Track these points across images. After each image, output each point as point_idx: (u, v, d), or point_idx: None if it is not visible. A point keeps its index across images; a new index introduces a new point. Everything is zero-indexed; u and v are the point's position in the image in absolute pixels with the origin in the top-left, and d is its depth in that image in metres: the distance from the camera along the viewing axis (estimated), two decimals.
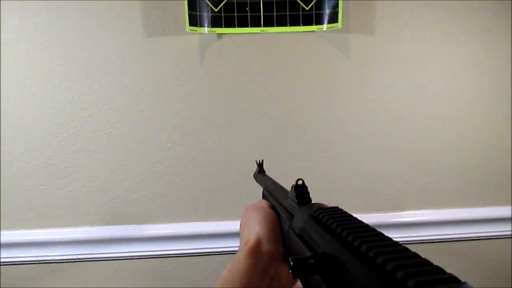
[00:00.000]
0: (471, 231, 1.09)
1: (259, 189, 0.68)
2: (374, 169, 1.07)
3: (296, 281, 0.38)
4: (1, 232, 1.03)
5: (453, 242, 1.10)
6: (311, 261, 0.25)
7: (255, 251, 0.37)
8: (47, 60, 0.98)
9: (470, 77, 1.06)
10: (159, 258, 1.07)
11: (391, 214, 1.08)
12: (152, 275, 1.08)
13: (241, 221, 0.46)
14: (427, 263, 0.18)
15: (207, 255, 1.08)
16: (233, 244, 1.07)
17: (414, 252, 0.19)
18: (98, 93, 1.00)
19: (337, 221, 0.27)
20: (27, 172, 1.02)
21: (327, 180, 1.06)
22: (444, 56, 1.05)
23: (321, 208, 0.32)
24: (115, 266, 1.07)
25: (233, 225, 1.04)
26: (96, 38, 0.99)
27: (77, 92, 1.00)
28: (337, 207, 0.31)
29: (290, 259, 0.25)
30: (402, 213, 1.08)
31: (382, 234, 0.23)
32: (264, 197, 0.60)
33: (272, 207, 0.47)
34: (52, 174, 1.02)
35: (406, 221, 1.07)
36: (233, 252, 1.09)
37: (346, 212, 0.29)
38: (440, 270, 0.17)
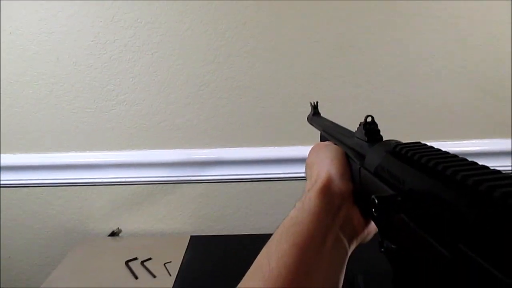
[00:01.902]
0: None
1: (307, 114, 0.66)
2: (438, 95, 1.01)
3: (369, 223, 0.37)
4: (51, 154, 1.06)
5: None
6: (398, 198, 0.23)
7: (327, 190, 0.35)
8: None
9: None
10: (206, 183, 1.09)
11: (454, 143, 1.03)
12: (200, 199, 1.11)
13: (307, 160, 0.45)
14: None
15: (253, 181, 1.09)
16: (279, 171, 1.07)
17: None
18: (140, 11, 0.96)
19: (422, 153, 0.24)
20: (74, 95, 1.02)
21: (385, 105, 1.01)
22: None
23: (400, 143, 0.29)
24: (163, 189, 1.10)
25: (281, 152, 1.04)
26: None
27: (118, 10, 0.97)
28: (419, 142, 0.28)
29: (373, 196, 0.23)
30: (466, 141, 1.03)
31: (476, 163, 0.20)
32: (321, 139, 0.57)
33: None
34: (97, 96, 1.02)
35: (470, 151, 1.03)
36: (277, 179, 1.09)
37: (431, 146, 0.26)
38: None
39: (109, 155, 1.06)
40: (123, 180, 1.08)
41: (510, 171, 0.99)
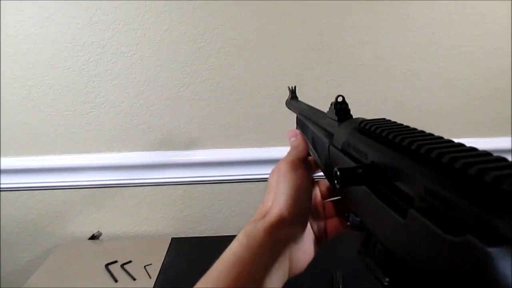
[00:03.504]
0: None
1: (289, 117, 0.68)
2: (413, 95, 1.04)
3: (307, 263, 0.38)
4: (29, 158, 1.07)
5: None
6: (360, 170, 0.24)
7: (274, 231, 0.34)
8: None
9: None
10: (187, 185, 1.10)
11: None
12: (181, 201, 1.12)
13: (269, 178, 0.41)
14: (502, 159, 0.16)
15: (234, 182, 1.10)
16: (260, 172, 1.09)
17: (485, 150, 0.17)
18: (118, 13, 0.97)
19: (387, 128, 0.25)
20: (51, 97, 1.03)
21: (362, 106, 1.03)
22: None
23: (366, 119, 0.30)
24: (144, 192, 1.11)
25: (261, 153, 1.05)
26: None
27: (96, 12, 0.97)
28: (384, 118, 0.29)
29: (336, 168, 0.24)
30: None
31: (442, 137, 0.21)
32: (298, 122, 0.59)
33: (307, 146, 0.45)
34: (75, 99, 1.03)
35: None
36: (259, 180, 1.11)
37: (395, 121, 0.28)
38: None
39: (88, 157, 1.07)
40: (103, 182, 1.09)
41: None
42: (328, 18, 0.98)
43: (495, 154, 0.17)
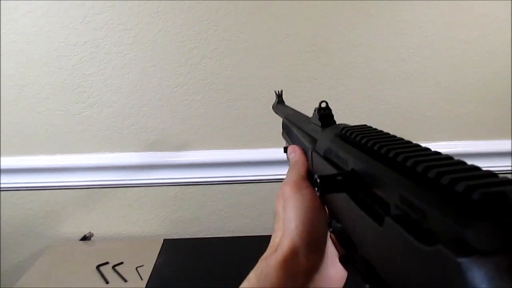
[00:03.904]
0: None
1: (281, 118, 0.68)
2: (406, 97, 1.04)
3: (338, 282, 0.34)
4: (20, 158, 1.06)
5: None
6: (339, 178, 0.24)
7: (289, 265, 0.30)
8: None
9: None
10: (180, 186, 1.10)
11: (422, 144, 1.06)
12: (174, 202, 1.12)
13: (275, 207, 0.37)
14: (475, 168, 0.16)
15: (228, 183, 1.10)
16: (253, 173, 1.09)
17: (459, 160, 0.18)
18: (111, 12, 0.97)
19: (367, 136, 0.26)
20: (44, 97, 1.02)
21: (355, 108, 1.04)
22: None
23: (347, 126, 0.31)
24: (136, 192, 1.10)
25: (255, 154, 1.05)
26: None
27: (90, 11, 0.97)
28: (365, 125, 0.30)
29: (316, 176, 0.25)
30: (433, 144, 1.07)
31: (419, 145, 0.22)
32: (284, 127, 0.60)
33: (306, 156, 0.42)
34: (68, 98, 1.03)
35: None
36: (253, 182, 1.11)
37: (375, 128, 0.28)
38: (491, 174, 0.15)
39: (80, 158, 1.06)
40: (95, 183, 1.08)
41: (510, 172, 1.04)
42: (322, 20, 0.99)
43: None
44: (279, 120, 0.71)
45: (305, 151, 0.40)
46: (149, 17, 0.98)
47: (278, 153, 1.10)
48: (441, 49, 1.01)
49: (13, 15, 0.96)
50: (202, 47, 1.00)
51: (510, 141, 1.06)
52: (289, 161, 0.43)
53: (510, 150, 1.05)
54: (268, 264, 0.31)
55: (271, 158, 1.06)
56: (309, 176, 0.38)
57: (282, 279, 0.30)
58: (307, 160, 0.40)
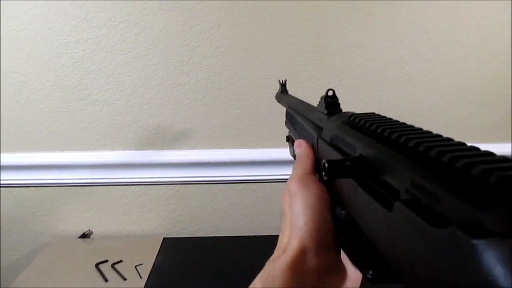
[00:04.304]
0: None
1: (284, 117, 0.68)
2: (407, 98, 1.05)
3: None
4: (21, 154, 1.06)
5: None
6: (347, 163, 0.24)
7: (298, 266, 0.29)
8: None
9: None
10: (180, 185, 1.10)
11: None
12: (174, 201, 1.12)
13: (282, 205, 0.35)
14: (490, 153, 0.16)
15: (228, 183, 1.11)
16: (254, 173, 1.09)
17: (472, 146, 0.18)
18: (113, 10, 0.97)
19: (376, 122, 0.25)
20: (44, 93, 1.02)
21: (356, 108, 1.04)
22: None
23: (355, 113, 0.31)
24: (136, 191, 1.10)
25: (256, 154, 1.06)
26: None
27: (91, 8, 0.97)
28: (373, 112, 0.30)
29: (324, 161, 0.24)
30: None
31: (431, 132, 0.22)
32: (287, 116, 0.60)
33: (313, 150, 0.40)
34: (69, 96, 1.02)
35: None
36: (253, 181, 1.11)
37: (384, 116, 0.28)
38: (506, 159, 0.15)
39: (81, 155, 1.06)
40: (95, 181, 1.08)
41: None
42: (324, 20, 0.99)
43: None
44: (281, 120, 0.71)
45: (310, 141, 0.39)
46: (151, 15, 0.98)
47: (279, 153, 1.11)
48: (443, 51, 1.01)
49: (14, 12, 0.95)
50: (204, 46, 1.00)
51: (510, 144, 1.07)
52: (294, 157, 0.42)
53: (510, 153, 1.06)
54: (274, 267, 0.29)
55: (272, 158, 1.06)
56: (316, 169, 0.37)
57: (291, 281, 0.28)
58: (314, 153, 0.38)
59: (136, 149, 1.07)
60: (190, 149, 1.07)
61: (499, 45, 1.01)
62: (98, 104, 1.03)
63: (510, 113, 1.06)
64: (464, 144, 0.18)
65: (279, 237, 0.33)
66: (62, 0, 0.95)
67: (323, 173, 0.25)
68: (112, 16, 0.98)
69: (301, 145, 0.41)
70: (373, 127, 0.25)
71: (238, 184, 1.11)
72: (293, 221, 0.31)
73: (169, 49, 1.00)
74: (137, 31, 0.98)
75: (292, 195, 0.33)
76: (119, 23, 0.98)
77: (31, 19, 0.96)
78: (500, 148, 1.07)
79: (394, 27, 0.99)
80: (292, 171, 0.37)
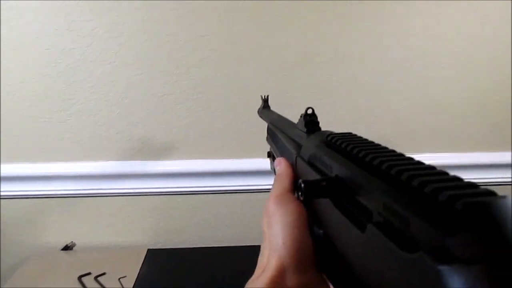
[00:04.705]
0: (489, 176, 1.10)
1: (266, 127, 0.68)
2: (392, 110, 1.06)
3: None
4: (2, 165, 1.04)
5: None
6: (324, 183, 0.24)
7: (277, 285, 0.29)
8: None
9: (502, 14, 1.02)
10: (165, 195, 1.09)
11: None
12: (159, 212, 1.11)
13: (262, 222, 0.35)
14: (457, 178, 0.17)
15: (213, 193, 1.10)
16: (239, 183, 1.09)
17: (441, 170, 0.18)
18: (98, 20, 0.97)
19: (352, 143, 0.26)
20: (27, 104, 1.01)
21: (341, 119, 1.05)
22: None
23: (333, 133, 0.31)
24: (121, 202, 1.09)
25: (240, 164, 1.06)
26: None
27: (76, 18, 0.97)
28: (350, 132, 0.30)
29: (300, 181, 0.25)
30: (417, 155, 1.08)
31: (403, 155, 0.22)
32: (269, 132, 0.60)
33: (293, 168, 0.40)
34: (53, 106, 1.02)
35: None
36: (238, 192, 1.11)
37: (360, 136, 0.28)
38: (473, 185, 0.16)
39: (64, 166, 1.05)
40: (79, 192, 1.07)
41: (510, 183, 1.06)
42: (310, 33, 1.00)
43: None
44: (265, 130, 0.72)
45: (290, 158, 0.39)
46: (136, 25, 0.98)
47: (264, 163, 1.10)
48: (425, 63, 1.03)
49: None
50: (189, 57, 1.00)
51: (490, 153, 1.09)
52: (275, 172, 0.42)
53: (489, 162, 1.08)
54: (255, 285, 0.29)
55: (257, 168, 1.06)
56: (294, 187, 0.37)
57: None
58: (293, 171, 0.38)
59: (121, 159, 1.06)
60: (175, 160, 1.07)
61: (481, 57, 1.03)
62: (82, 115, 1.02)
63: (491, 123, 1.08)
64: (434, 168, 0.19)
65: (259, 258, 0.33)
66: (46, 8, 0.95)
67: (299, 193, 0.25)
68: (97, 26, 0.97)
69: (280, 163, 0.41)
70: (348, 148, 0.26)
71: (223, 194, 1.11)
72: (272, 240, 0.31)
73: (154, 59, 1.00)
74: (121, 41, 0.98)
75: (270, 215, 0.33)
76: (104, 33, 0.98)
77: (14, 29, 0.96)
78: (481, 158, 1.09)
79: (378, 40, 1.01)
80: (271, 190, 0.37)
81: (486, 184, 1.09)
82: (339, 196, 0.24)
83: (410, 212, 0.16)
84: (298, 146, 0.38)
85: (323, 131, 0.36)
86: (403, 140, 1.09)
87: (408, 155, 0.22)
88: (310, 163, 0.32)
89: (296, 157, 0.36)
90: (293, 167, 0.38)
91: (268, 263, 0.30)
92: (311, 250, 0.31)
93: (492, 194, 0.15)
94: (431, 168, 0.19)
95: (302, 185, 0.24)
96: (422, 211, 0.16)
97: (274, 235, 0.31)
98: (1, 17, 0.95)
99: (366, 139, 0.27)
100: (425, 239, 0.15)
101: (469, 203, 0.14)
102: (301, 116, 0.39)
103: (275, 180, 0.39)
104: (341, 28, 1.00)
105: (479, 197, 0.14)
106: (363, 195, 0.21)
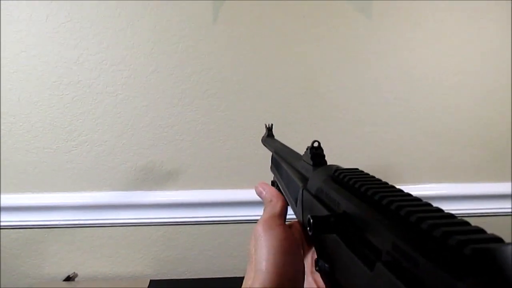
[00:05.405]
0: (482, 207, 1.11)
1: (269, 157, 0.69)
2: (393, 139, 1.07)
3: None
4: (6, 195, 1.05)
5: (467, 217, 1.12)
6: (332, 219, 0.25)
7: None
8: (52, 17, 0.97)
9: (501, 48, 1.05)
10: (168, 226, 1.09)
11: (407, 187, 1.09)
12: (162, 242, 1.11)
13: (250, 243, 0.36)
14: (465, 223, 0.17)
15: (217, 223, 1.10)
16: (243, 213, 1.09)
17: (449, 213, 0.19)
18: (105, 53, 1.00)
19: (360, 180, 0.26)
20: (33, 134, 1.02)
21: (343, 149, 1.06)
22: (471, 25, 1.03)
23: (340, 168, 0.32)
24: (124, 232, 1.09)
25: (243, 194, 1.06)
26: None
27: (84, 51, 0.99)
28: (357, 168, 0.31)
29: (309, 216, 0.25)
30: (418, 186, 1.09)
31: (411, 195, 0.23)
32: (273, 161, 0.61)
33: (284, 197, 0.42)
34: (58, 137, 1.03)
35: (421, 195, 1.09)
36: (242, 222, 1.11)
37: (367, 173, 0.29)
38: (480, 230, 0.17)
39: (68, 196, 1.06)
40: (82, 222, 1.07)
41: (510, 214, 1.06)
42: (313, 64, 1.03)
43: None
44: (269, 160, 0.73)
45: (295, 190, 0.39)
46: (142, 58, 1.00)
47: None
48: (425, 93, 1.05)
49: (6, 53, 0.97)
50: (194, 88, 1.02)
51: (491, 183, 1.10)
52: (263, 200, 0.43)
53: (490, 192, 1.09)
54: None
55: (260, 198, 1.06)
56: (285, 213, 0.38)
57: None
58: (282, 196, 0.39)
59: (125, 189, 1.07)
60: (178, 190, 1.07)
61: (481, 88, 1.06)
62: (87, 145, 1.04)
63: (491, 154, 1.09)
64: (441, 210, 0.19)
65: (244, 280, 0.33)
66: (55, 42, 0.98)
67: (308, 228, 0.25)
68: (104, 59, 1.00)
69: (264, 188, 0.42)
70: (357, 185, 0.26)
71: (226, 224, 1.11)
72: (257, 264, 0.31)
73: (159, 91, 1.02)
74: (127, 74, 1.01)
75: (256, 238, 0.33)
76: (111, 65, 1.00)
77: (23, 61, 0.98)
78: (481, 188, 1.09)
79: (380, 71, 1.03)
80: (262, 214, 0.38)
81: (486, 214, 1.10)
82: (347, 233, 0.25)
83: (419, 253, 0.17)
84: (305, 179, 0.38)
85: (329, 165, 0.36)
86: (404, 170, 1.10)
87: (409, 185, 0.23)
88: (317, 197, 0.32)
89: (303, 190, 0.36)
90: (299, 198, 0.38)
91: (252, 286, 0.30)
92: (298, 277, 0.31)
93: (498, 240, 0.16)
94: (439, 210, 0.20)
95: (311, 220, 0.25)
96: (432, 253, 0.16)
97: (258, 260, 0.31)
98: (10, 50, 0.97)
99: (373, 176, 0.28)
100: (434, 281, 0.15)
101: (477, 249, 0.15)
102: (307, 149, 0.40)
103: (264, 205, 0.40)
104: (342, 61, 1.03)
105: (486, 243, 0.15)
106: (371, 233, 0.22)
